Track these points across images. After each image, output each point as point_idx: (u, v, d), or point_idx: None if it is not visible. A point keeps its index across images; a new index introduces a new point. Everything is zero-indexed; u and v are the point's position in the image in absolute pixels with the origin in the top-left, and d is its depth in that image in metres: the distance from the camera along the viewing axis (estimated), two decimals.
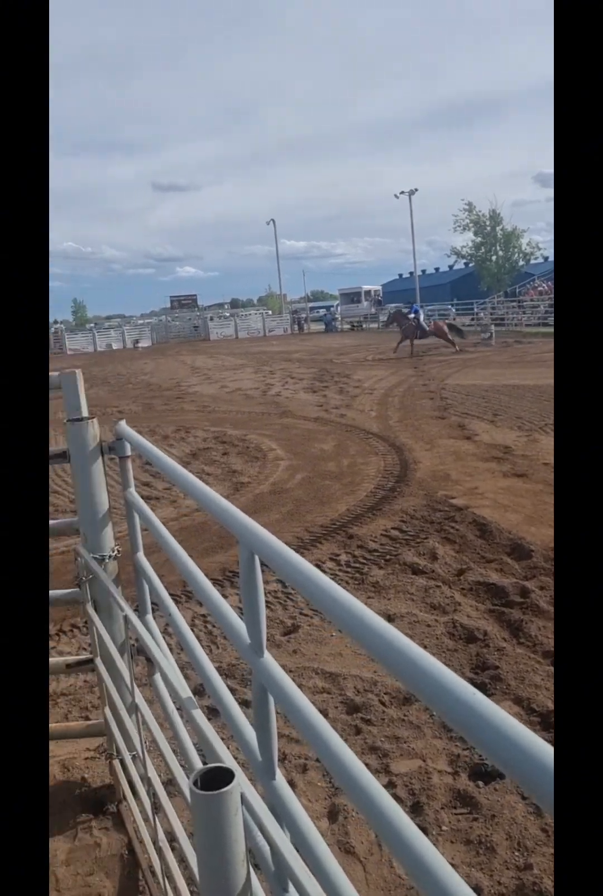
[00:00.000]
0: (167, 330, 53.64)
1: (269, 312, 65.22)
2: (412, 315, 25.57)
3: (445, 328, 25.30)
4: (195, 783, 0.95)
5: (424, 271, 68.00)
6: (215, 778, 0.97)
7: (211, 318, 54.64)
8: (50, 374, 2.66)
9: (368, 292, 51.15)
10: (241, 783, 1.01)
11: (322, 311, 58.87)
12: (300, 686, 3.79)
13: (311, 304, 69.90)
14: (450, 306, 40.84)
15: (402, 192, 56.50)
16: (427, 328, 25.34)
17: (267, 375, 20.85)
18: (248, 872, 1.03)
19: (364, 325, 46.80)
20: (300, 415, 13.06)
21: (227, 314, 66.77)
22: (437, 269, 72.54)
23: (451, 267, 58.04)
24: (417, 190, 53.69)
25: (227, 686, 3.82)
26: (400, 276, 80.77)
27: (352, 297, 51.77)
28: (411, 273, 67.21)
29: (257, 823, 1.17)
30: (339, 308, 52.60)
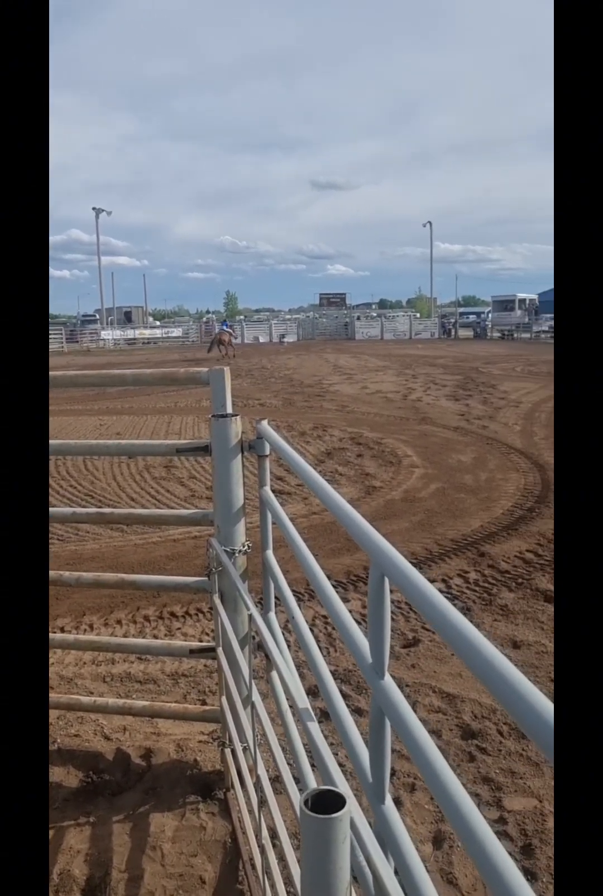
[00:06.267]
0: (313, 326, 54.39)
1: (417, 315, 64.53)
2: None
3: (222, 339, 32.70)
4: (306, 803, 0.95)
5: None
6: (326, 799, 0.96)
7: (358, 318, 54.84)
8: (199, 369, 2.77)
9: (522, 301, 49.11)
10: (352, 809, 1.00)
11: (472, 318, 57.33)
12: (415, 703, 3.75)
13: (461, 310, 68.31)
14: None
15: None
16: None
17: (409, 379, 20.64)
18: None
19: (515, 335, 45.22)
20: (440, 422, 12.82)
21: (374, 315, 66.70)
22: None
23: None
24: None
25: (343, 691, 3.82)
26: None
27: (505, 304, 49.84)
28: None
29: (363, 851, 1.15)
30: (490, 315, 51.03)
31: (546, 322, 44.90)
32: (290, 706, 2.20)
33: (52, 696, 3.51)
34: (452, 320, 52.73)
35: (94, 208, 60.29)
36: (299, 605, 2.76)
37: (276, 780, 2.52)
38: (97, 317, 58.46)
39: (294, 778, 1.74)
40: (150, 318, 79.33)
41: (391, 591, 1.37)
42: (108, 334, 49.88)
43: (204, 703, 3.73)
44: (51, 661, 4.37)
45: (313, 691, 3.45)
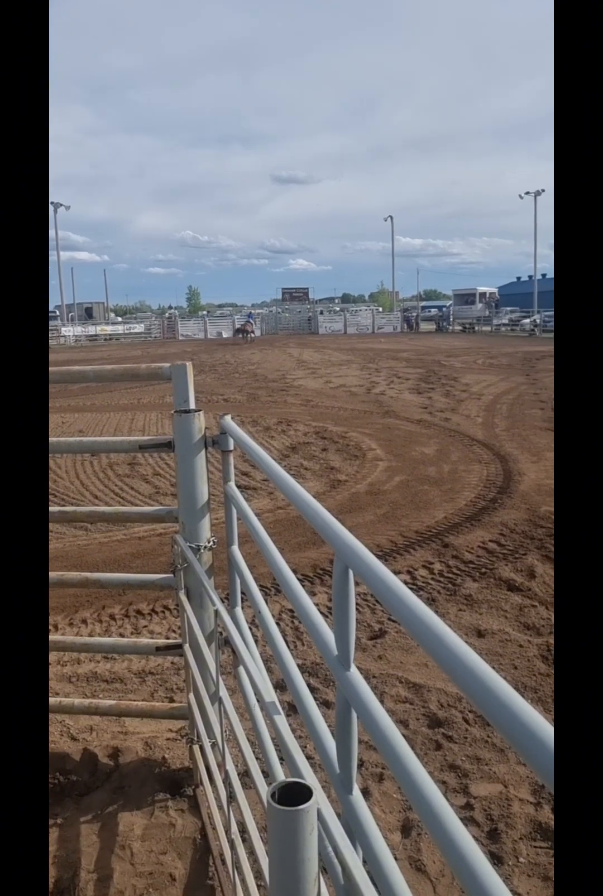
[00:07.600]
0: (277, 321, 54.32)
1: (380, 309, 64.91)
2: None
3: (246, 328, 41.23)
4: (273, 796, 0.95)
5: (544, 275, 65.77)
6: (293, 791, 0.97)
7: (321, 312, 54.92)
8: (161, 365, 2.75)
9: (483, 294, 49.79)
10: (319, 800, 1.01)
11: (433, 311, 57.88)
12: (383, 694, 3.77)
13: (423, 304, 68.93)
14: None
15: (527, 193, 54.92)
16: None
17: (372, 373, 20.75)
18: (319, 891, 1.03)
19: (476, 328, 45.78)
20: (403, 415, 12.92)
21: (337, 309, 66.82)
22: None
23: None
24: (543, 191, 52.32)
25: (310, 684, 3.83)
26: (518, 279, 78.47)
27: (466, 298, 50.53)
28: (530, 276, 65.10)
29: (330, 841, 1.16)
30: (451, 309, 51.65)
31: (506, 315, 45.61)
32: (258, 701, 2.20)
33: None
34: (415, 314, 53.18)
35: (52, 203, 59.27)
36: (266, 600, 2.76)
37: (245, 774, 2.52)
38: (57, 313, 57.44)
39: (263, 772, 1.74)
40: (112, 314, 78.31)
41: (357, 584, 1.38)
42: (69, 331, 49.07)
43: (171, 700, 3.71)
44: None
45: (281, 685, 3.46)
